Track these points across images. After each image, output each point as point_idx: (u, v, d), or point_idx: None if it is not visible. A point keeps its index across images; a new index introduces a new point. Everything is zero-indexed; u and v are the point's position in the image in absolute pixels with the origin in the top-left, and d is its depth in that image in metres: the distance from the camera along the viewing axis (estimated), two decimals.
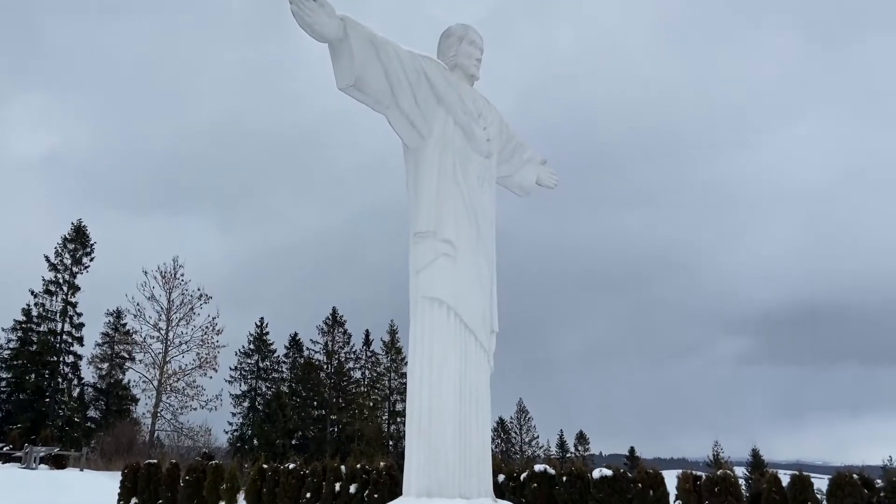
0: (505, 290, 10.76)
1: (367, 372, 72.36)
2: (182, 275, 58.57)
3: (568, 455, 76.39)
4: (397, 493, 19.68)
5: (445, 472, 8.96)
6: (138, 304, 56.87)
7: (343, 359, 70.58)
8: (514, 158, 11.58)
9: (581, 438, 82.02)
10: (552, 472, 17.44)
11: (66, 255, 61.29)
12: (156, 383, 56.40)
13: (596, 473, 16.53)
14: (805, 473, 13.94)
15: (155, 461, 24.29)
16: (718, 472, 14.93)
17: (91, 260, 62.14)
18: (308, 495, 20.61)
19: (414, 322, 9.81)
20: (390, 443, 66.76)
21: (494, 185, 11.22)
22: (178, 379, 57.25)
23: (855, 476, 13.22)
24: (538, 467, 17.55)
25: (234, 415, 64.84)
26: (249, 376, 67.47)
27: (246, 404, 65.55)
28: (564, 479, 16.95)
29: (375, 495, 18.94)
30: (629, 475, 16.18)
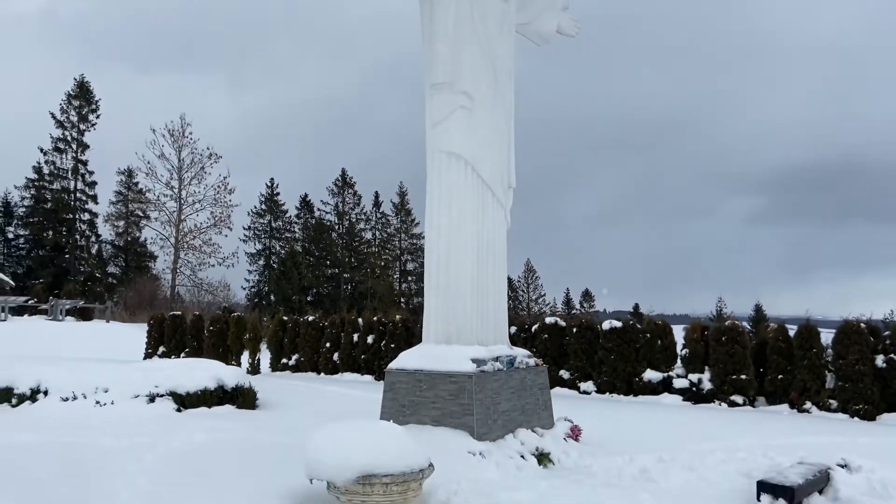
0: (519, 146, 10.59)
1: (377, 233, 73.55)
2: (190, 133, 58.42)
3: (573, 312, 79.07)
4: (412, 343, 20.57)
5: (463, 321, 9.29)
6: (149, 163, 57.33)
7: (354, 220, 71.50)
8: (534, 1, 10.95)
9: (586, 296, 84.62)
10: (563, 324, 18.14)
11: (72, 112, 60.72)
12: (173, 241, 57.96)
13: (605, 325, 17.18)
14: (812, 322, 14.45)
15: (179, 313, 25.37)
16: (726, 322, 15.50)
17: (97, 117, 61.62)
18: (328, 345, 21.69)
19: (431, 178, 9.77)
20: (402, 300, 69.16)
21: (514, 33, 10.69)
22: (195, 237, 58.77)
23: (862, 325, 13.68)
24: (549, 319, 18.26)
25: (250, 272, 66.95)
26: (263, 236, 68.87)
27: (261, 262, 67.44)
28: (575, 330, 17.64)
29: (392, 345, 19.90)
30: (638, 326, 16.82)
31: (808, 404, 14.05)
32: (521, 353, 10.04)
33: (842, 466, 7.67)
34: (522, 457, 8.73)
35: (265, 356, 23.09)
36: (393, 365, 9.40)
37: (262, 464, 7.26)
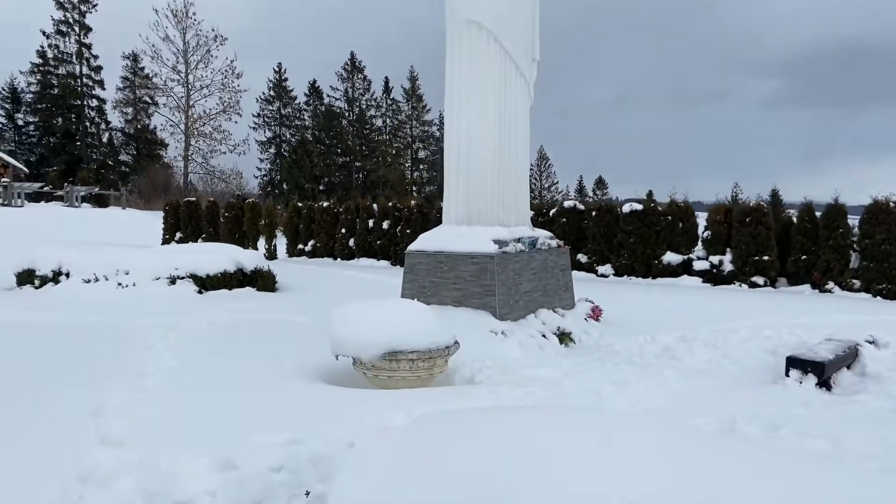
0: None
1: (388, 120, 71.96)
2: (194, 13, 56.22)
3: (587, 199, 78.60)
4: (428, 228, 20.44)
5: (484, 202, 9.04)
6: (154, 46, 55.66)
7: (364, 106, 69.83)
8: None
9: (599, 183, 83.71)
10: (581, 207, 17.86)
11: None
12: (182, 127, 57.23)
13: (626, 208, 16.90)
14: (841, 202, 14.07)
15: (194, 199, 25.32)
16: (751, 203, 15.15)
17: None
18: (343, 231, 21.68)
19: (451, 49, 9.20)
20: (413, 188, 68.77)
21: None
22: (204, 123, 57.96)
23: (891, 204, 13.31)
24: (567, 203, 17.97)
25: (262, 160, 66.45)
26: (273, 123, 67.70)
27: (272, 150, 66.76)
28: (594, 213, 17.39)
29: (408, 230, 19.84)
30: (659, 209, 16.53)
31: (830, 284, 13.95)
32: (542, 235, 9.86)
33: (870, 343, 7.60)
34: (544, 336, 8.74)
35: (281, 242, 23.20)
36: (413, 247, 9.27)
37: (285, 342, 7.31)
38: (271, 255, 20.79)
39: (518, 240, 9.17)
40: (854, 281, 13.65)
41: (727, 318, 10.21)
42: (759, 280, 14.82)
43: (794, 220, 15.08)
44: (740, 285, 14.96)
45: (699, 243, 16.12)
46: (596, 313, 10.24)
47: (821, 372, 6.33)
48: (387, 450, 2.40)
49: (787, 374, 6.50)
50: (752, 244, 14.91)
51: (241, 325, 8.57)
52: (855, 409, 5.39)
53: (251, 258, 11.88)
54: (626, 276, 16.67)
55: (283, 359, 6.33)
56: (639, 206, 16.69)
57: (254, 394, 5.03)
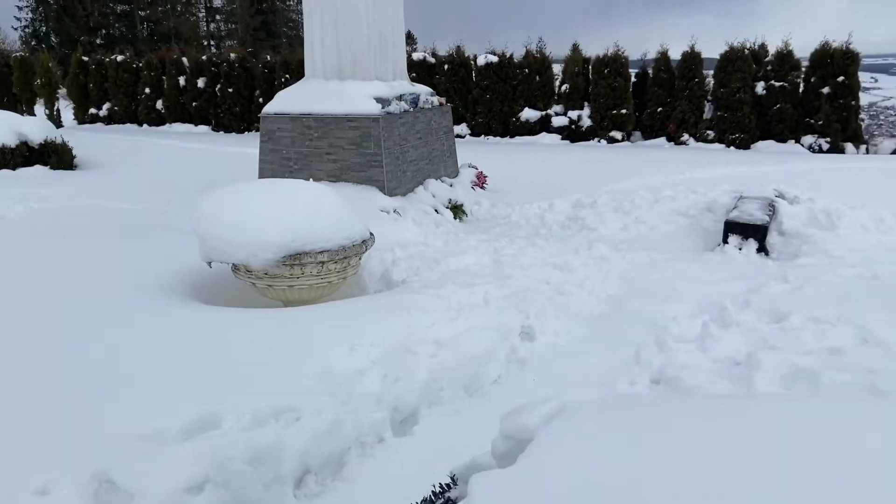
0: None
1: None
2: None
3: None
4: (256, 87, 17.84)
5: (360, 48, 7.39)
6: None
7: None
8: None
9: (409, 39, 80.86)
10: (432, 60, 16.36)
11: None
12: None
13: (480, 60, 15.71)
14: (697, 50, 13.99)
15: None
16: (609, 52, 14.63)
17: None
18: (147, 91, 18.36)
19: None
20: (211, 42, 61.58)
21: None
22: None
23: (746, 50, 13.44)
24: (417, 55, 16.33)
25: (20, 8, 55.20)
26: None
27: None
28: (447, 67, 16.01)
29: (230, 89, 17.18)
30: (515, 61, 15.52)
31: (685, 136, 14.13)
32: (423, 91, 8.46)
33: (779, 197, 7.43)
34: (437, 211, 7.65)
35: (65, 108, 19.29)
36: (270, 108, 7.47)
37: (113, 242, 5.46)
38: (56, 122, 17.14)
39: (400, 97, 7.73)
40: (708, 132, 13.91)
41: (613, 177, 9.75)
42: (618, 135, 14.69)
43: (650, 70, 14.86)
44: (599, 141, 14.76)
45: (556, 97, 15.52)
46: (481, 180, 9.27)
47: (762, 236, 5.93)
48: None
49: (725, 241, 6.03)
50: (610, 97, 14.58)
51: (42, 218, 6.52)
52: (816, 276, 4.95)
53: (38, 127, 9.29)
54: (483, 135, 15.81)
55: (114, 268, 4.61)
56: (494, 59, 15.56)
57: (112, 336, 3.41)
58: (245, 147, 12.61)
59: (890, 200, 7.46)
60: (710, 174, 9.76)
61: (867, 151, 12.98)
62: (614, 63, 14.52)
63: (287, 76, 16.32)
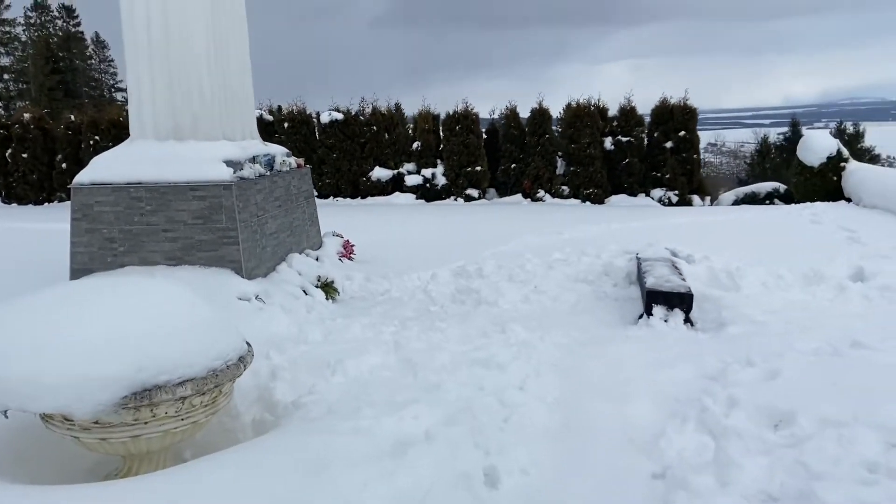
0: None
1: None
2: None
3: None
4: (56, 150, 15.43)
5: (201, 102, 6.13)
6: None
7: None
8: None
9: None
10: (269, 118, 15.10)
11: None
12: None
13: (325, 117, 14.71)
14: (545, 107, 14.01)
15: None
16: (460, 108, 14.28)
17: None
18: None
19: None
20: None
21: None
22: None
23: (592, 107, 13.66)
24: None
25: None
26: None
27: None
28: (287, 125, 14.82)
29: (24, 154, 14.70)
30: (361, 117, 14.71)
31: (541, 192, 14.01)
32: (278, 151, 7.30)
33: (675, 256, 7.09)
34: (306, 292, 6.46)
35: None
36: (84, 177, 5.93)
37: None
38: None
39: (253, 159, 6.52)
40: (563, 188, 13.89)
41: (490, 239, 9.11)
42: (474, 193, 14.27)
43: (499, 127, 14.72)
44: (455, 199, 14.26)
45: (409, 156, 14.86)
46: (348, 250, 8.20)
47: (689, 306, 5.41)
48: None
49: (648, 313, 5.42)
50: (464, 154, 14.19)
51: None
52: (777, 353, 4.43)
53: None
54: (332, 197, 14.71)
55: None
56: (339, 115, 14.65)
57: None
58: (48, 222, 10.51)
59: (772, 254, 7.41)
60: (586, 232, 9.44)
61: (711, 203, 13.59)
62: (465, 119, 14.19)
63: (97, 138, 14.25)
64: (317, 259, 7.28)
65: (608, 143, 13.72)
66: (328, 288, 6.76)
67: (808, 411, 3.30)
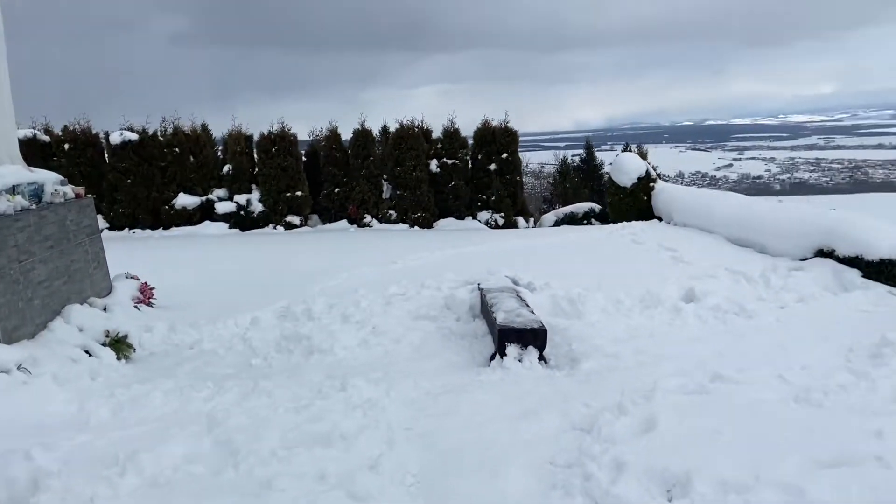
0: None
1: None
2: None
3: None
4: None
5: None
6: None
7: None
8: None
9: None
10: (46, 138, 13.00)
11: None
12: None
13: (115, 138, 12.92)
14: (368, 128, 13.40)
15: None
16: (275, 128, 13.21)
17: None
18: None
19: None
20: None
21: None
22: None
23: (416, 129, 13.27)
24: (23, 132, 12.77)
25: None
26: None
27: None
28: (67, 146, 12.83)
29: None
30: (161, 138, 13.11)
31: (367, 217, 13.35)
32: (49, 179, 5.96)
33: (516, 285, 6.74)
34: (89, 353, 5.27)
35: None
36: None
37: None
38: None
39: (13, 189, 5.19)
40: (391, 212, 13.33)
41: (317, 273, 8.28)
42: (295, 220, 13.26)
43: (320, 148, 13.88)
44: (275, 227, 13.15)
45: (220, 181, 13.50)
46: (146, 295, 6.96)
47: (543, 342, 4.99)
48: None
49: (502, 353, 4.94)
50: (282, 178, 13.14)
51: None
52: (646, 397, 4.11)
53: None
54: (128, 228, 12.94)
55: None
56: (133, 136, 12.96)
57: None
58: None
59: (608, 277, 7.34)
60: (421, 260, 8.91)
61: (535, 224, 13.75)
62: (282, 140, 13.17)
63: None
64: (104, 309, 6.02)
65: (434, 165, 13.43)
66: (120, 345, 5.56)
67: (702, 473, 2.91)
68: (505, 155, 13.46)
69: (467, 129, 14.01)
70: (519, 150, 13.84)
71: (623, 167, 12.76)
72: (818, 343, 5.44)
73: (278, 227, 13.12)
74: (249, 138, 13.58)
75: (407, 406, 4.24)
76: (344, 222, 13.39)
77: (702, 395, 4.01)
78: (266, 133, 13.27)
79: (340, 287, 7.48)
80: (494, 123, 13.69)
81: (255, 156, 13.51)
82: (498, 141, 13.50)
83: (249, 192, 13.32)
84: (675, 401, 3.89)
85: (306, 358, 5.50)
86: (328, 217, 13.65)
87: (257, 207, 13.15)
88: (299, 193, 13.23)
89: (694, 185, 13.97)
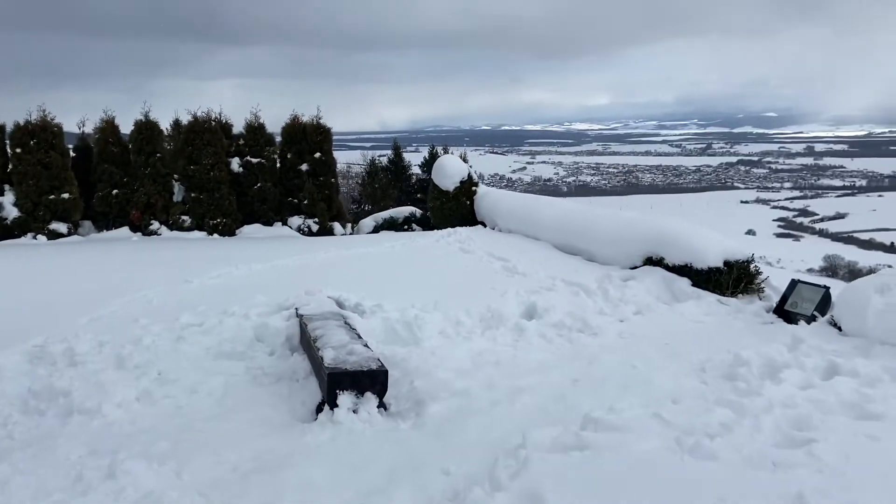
0: None
1: None
2: None
3: None
4: None
5: None
6: None
7: None
8: None
9: None
10: None
11: None
12: None
13: None
14: (154, 119, 11.49)
15: None
16: (34, 118, 10.89)
17: None
18: None
19: None
20: None
21: None
22: None
23: (213, 121, 11.63)
24: None
25: None
26: None
27: None
28: None
29: None
30: None
31: (155, 224, 11.48)
32: None
33: (342, 308, 5.73)
34: None
35: None
36: None
37: None
38: None
39: None
40: (184, 218, 11.57)
41: (88, 297, 6.65)
42: (62, 227, 11.04)
43: (94, 143, 11.76)
44: (36, 237, 10.84)
45: None
46: None
47: (383, 386, 4.06)
48: None
49: (333, 404, 3.92)
50: (44, 178, 10.87)
51: None
52: (525, 464, 3.36)
53: None
54: None
55: None
56: None
57: None
58: None
59: (442, 293, 6.61)
60: (223, 278, 7.56)
61: (352, 231, 12.74)
62: (43, 132, 10.90)
63: None
64: None
65: (235, 164, 11.90)
66: None
67: None
68: (318, 154, 12.30)
69: (273, 127, 12.69)
70: (333, 149, 12.76)
71: (445, 170, 12.21)
72: (668, 362, 5.12)
73: (39, 236, 10.82)
74: (1, 129, 11.11)
75: (205, 498, 3.09)
76: (125, 230, 11.41)
77: (583, 451, 3.31)
78: (22, 124, 10.92)
79: (116, 317, 5.96)
80: (305, 119, 12.49)
81: (8, 151, 11.07)
82: (310, 139, 12.31)
83: (2, 193, 10.88)
84: (556, 465, 3.15)
85: (62, 423, 4.06)
86: (105, 224, 11.57)
87: (11, 212, 10.75)
88: (66, 195, 11.03)
89: (494, 186, 14.13)
